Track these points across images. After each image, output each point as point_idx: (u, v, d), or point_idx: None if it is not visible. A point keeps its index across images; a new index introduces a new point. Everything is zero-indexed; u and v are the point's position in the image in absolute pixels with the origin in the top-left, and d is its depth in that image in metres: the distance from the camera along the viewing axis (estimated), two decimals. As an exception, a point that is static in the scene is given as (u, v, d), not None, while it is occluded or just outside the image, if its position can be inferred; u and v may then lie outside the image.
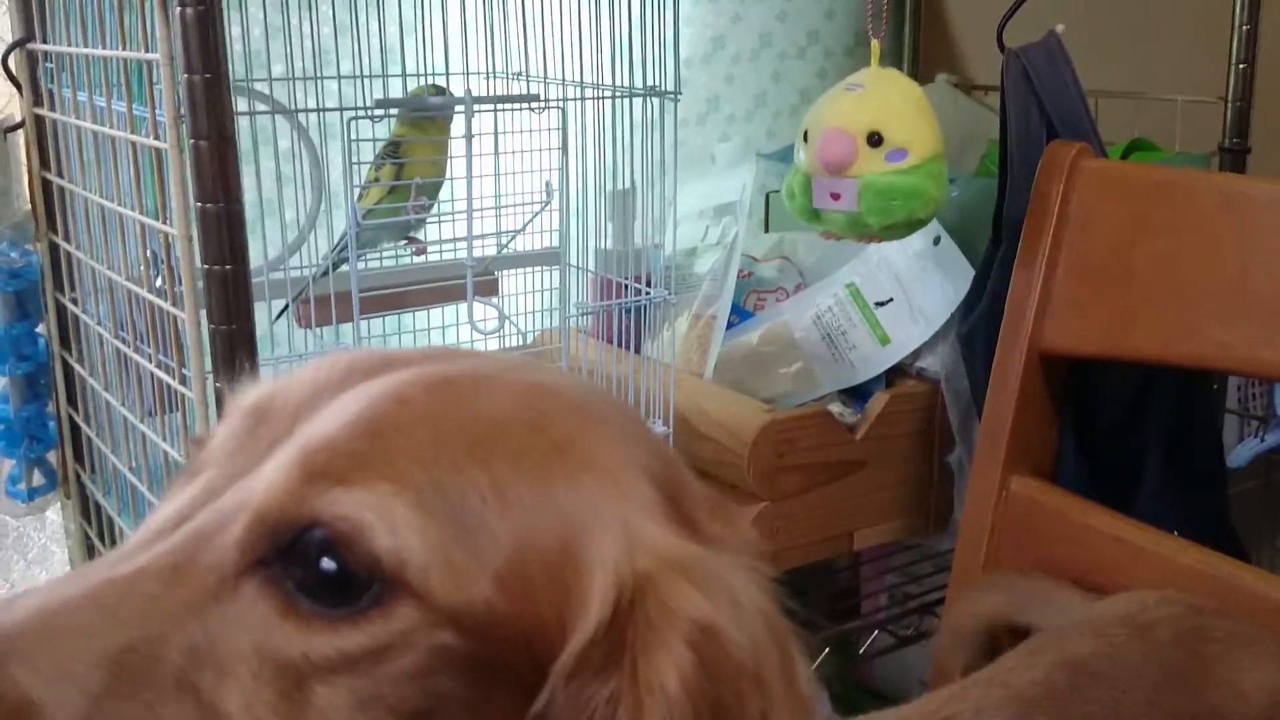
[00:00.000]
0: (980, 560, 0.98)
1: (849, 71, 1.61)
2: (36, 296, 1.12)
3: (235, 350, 0.77)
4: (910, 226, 1.01)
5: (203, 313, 0.78)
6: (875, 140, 0.98)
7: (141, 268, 0.88)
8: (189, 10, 0.73)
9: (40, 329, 1.14)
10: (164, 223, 0.81)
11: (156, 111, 0.79)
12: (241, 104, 0.95)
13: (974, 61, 1.56)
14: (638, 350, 1.21)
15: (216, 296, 0.76)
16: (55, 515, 1.30)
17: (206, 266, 0.76)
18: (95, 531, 1.13)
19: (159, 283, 0.85)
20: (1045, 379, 0.99)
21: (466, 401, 0.41)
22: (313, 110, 0.92)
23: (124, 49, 0.84)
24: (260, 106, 0.94)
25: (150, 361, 0.88)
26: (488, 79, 1.17)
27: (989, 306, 1.07)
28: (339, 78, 1.02)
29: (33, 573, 1.34)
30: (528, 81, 1.13)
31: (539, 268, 1.12)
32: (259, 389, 0.44)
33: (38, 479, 1.18)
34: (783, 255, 1.37)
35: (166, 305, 0.82)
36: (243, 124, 0.95)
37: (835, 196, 1.00)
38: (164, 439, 0.88)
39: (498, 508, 0.39)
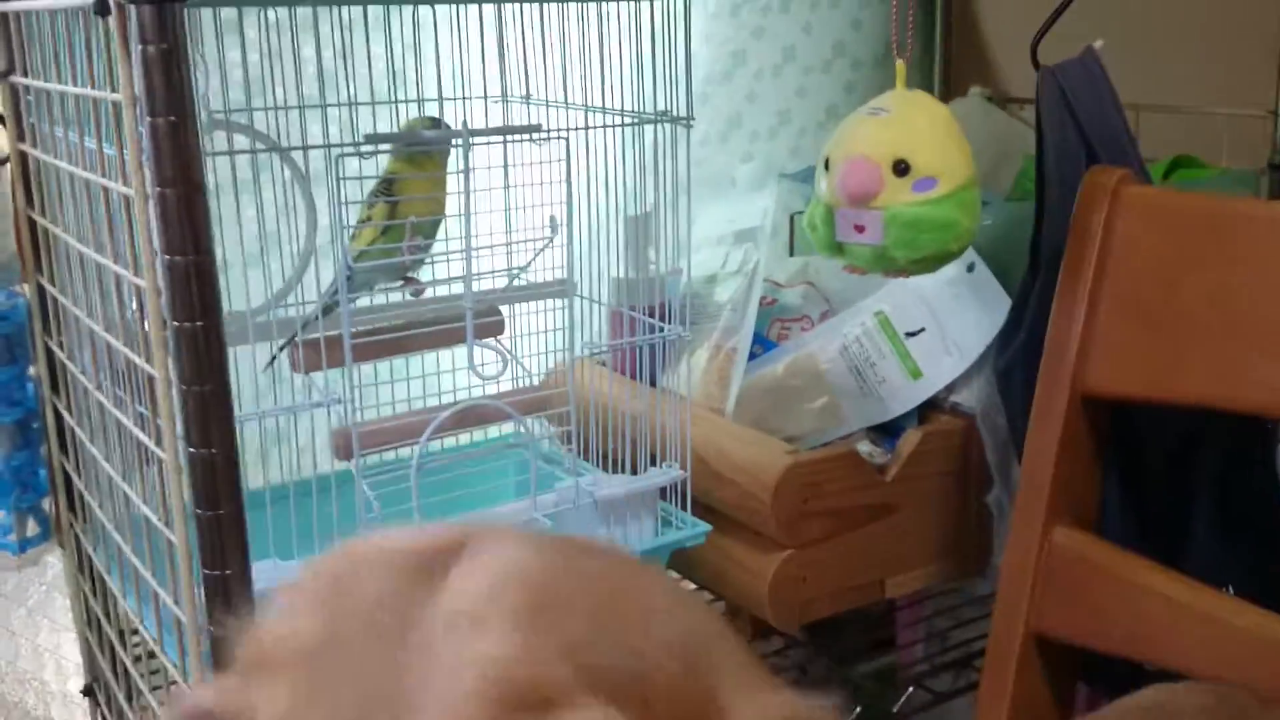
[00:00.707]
0: (1021, 620, 0.91)
1: (878, 84, 1.55)
2: (25, 340, 1.08)
3: (208, 412, 0.71)
4: (940, 260, 0.94)
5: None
6: (902, 169, 0.91)
7: (119, 317, 0.82)
8: (151, 49, 0.68)
9: (32, 371, 1.10)
10: (134, 273, 0.75)
11: (125, 154, 0.74)
12: (229, 139, 0.91)
13: (1008, 73, 1.49)
14: (653, 385, 1.15)
15: (187, 355, 0.71)
16: (57, 560, 1.25)
17: (176, 324, 0.70)
18: (89, 586, 1.08)
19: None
20: (1089, 423, 0.92)
21: (597, 580, 0.35)
22: (296, 149, 0.86)
23: (93, 87, 0.78)
24: (241, 141, 0.89)
25: (128, 416, 0.83)
26: (489, 103, 1.11)
27: (1027, 341, 1.00)
28: (324, 105, 0.96)
29: (34, 620, 1.29)
30: (527, 105, 1.07)
31: (550, 307, 1.06)
32: (290, 635, 0.34)
33: (32, 528, 1.13)
34: (808, 281, 1.30)
35: (139, 360, 0.77)
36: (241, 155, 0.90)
37: (860, 229, 0.93)
38: (143, 499, 0.83)
39: (671, 701, 0.33)
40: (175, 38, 0.69)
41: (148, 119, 0.69)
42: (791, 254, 1.40)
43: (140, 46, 0.68)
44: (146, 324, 0.73)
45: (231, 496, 0.72)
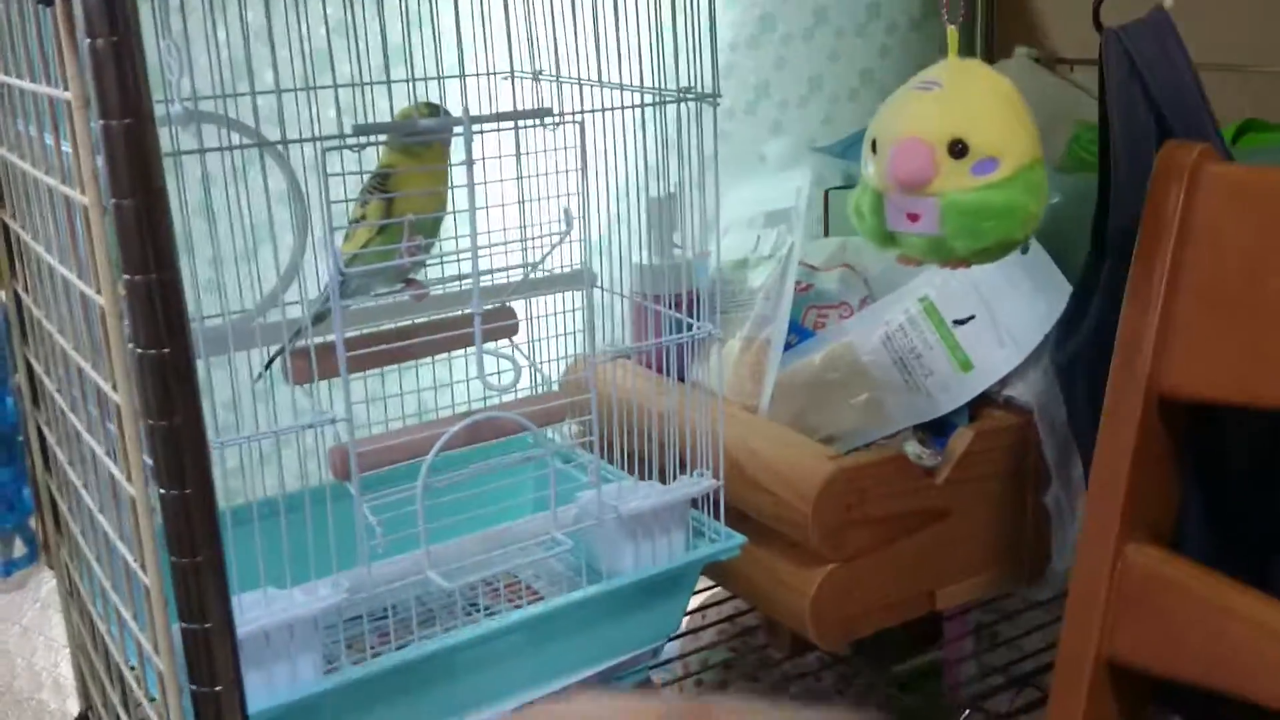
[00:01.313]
0: (1092, 644, 0.83)
1: (916, 47, 1.45)
2: (4, 351, 1.00)
3: (180, 448, 0.63)
4: (1004, 249, 0.85)
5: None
6: (959, 149, 0.82)
7: (86, 335, 0.74)
8: (100, 42, 0.59)
9: (16, 380, 1.02)
10: (96, 290, 0.67)
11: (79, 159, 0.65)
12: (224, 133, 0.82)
13: (1057, 31, 1.38)
14: (681, 380, 1.07)
15: (153, 385, 0.62)
16: (52, 576, 1.18)
17: (139, 350, 0.62)
18: (78, 613, 1.01)
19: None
20: (1166, 426, 0.83)
21: None
22: (279, 143, 0.78)
23: (46, 82, 0.70)
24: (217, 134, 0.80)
25: (102, 442, 0.75)
26: (496, 80, 1.02)
27: (1094, 333, 0.91)
28: (311, 89, 0.88)
29: (30, 639, 1.22)
30: (537, 83, 0.98)
31: (568, 307, 0.97)
32: None
33: (19, 549, 1.06)
34: (845, 263, 1.21)
35: (105, 387, 0.69)
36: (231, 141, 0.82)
37: (913, 217, 0.84)
38: (120, 534, 0.75)
39: None
40: (128, 29, 0.60)
41: (100, 121, 0.60)
42: (826, 233, 1.31)
43: (88, 40, 0.60)
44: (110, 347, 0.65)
45: (209, 541, 0.64)
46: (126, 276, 0.62)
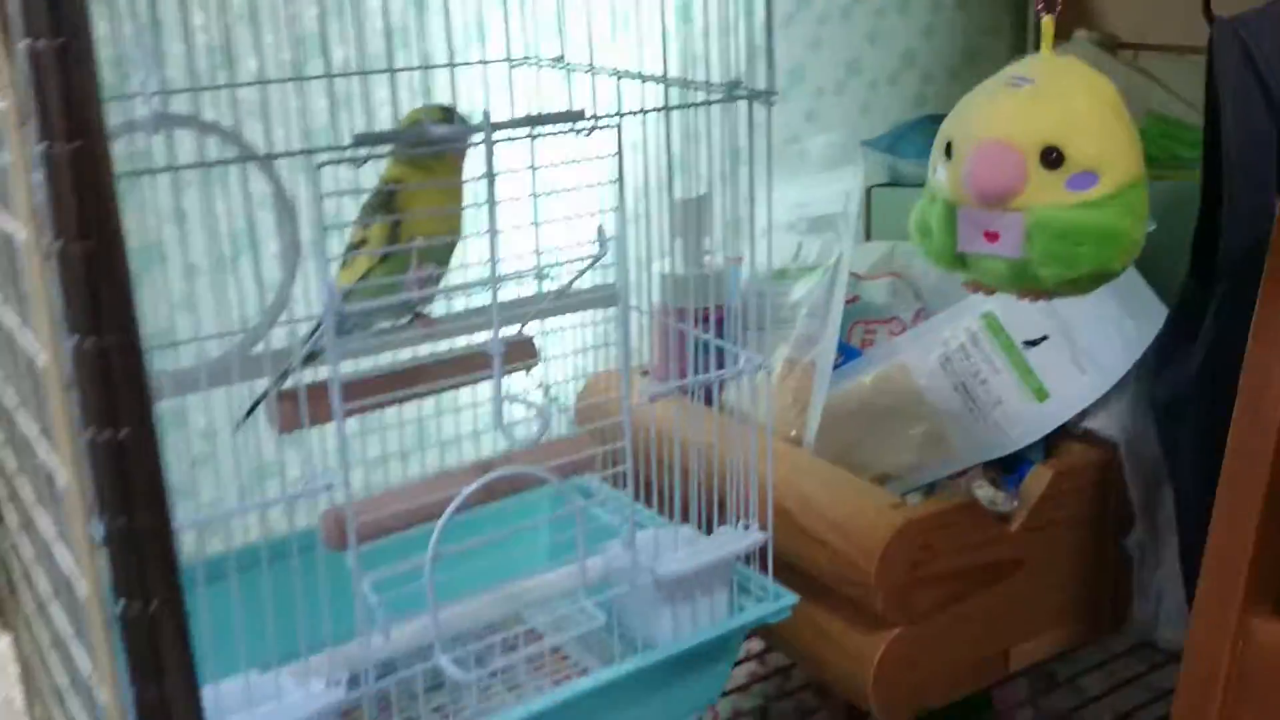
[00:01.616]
0: (1213, 739, 0.72)
1: (960, 27, 1.33)
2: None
3: (142, 553, 0.51)
4: (1096, 280, 0.72)
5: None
6: (1053, 159, 0.70)
7: (33, 395, 0.62)
8: (41, 44, 0.47)
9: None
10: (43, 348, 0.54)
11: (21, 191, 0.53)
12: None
13: (1118, 13, 1.26)
14: (710, 404, 0.94)
15: (108, 476, 0.50)
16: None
17: (89, 433, 0.50)
18: (34, 681, 0.89)
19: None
20: (1300, 485, 0.71)
21: None
22: (261, 157, 0.65)
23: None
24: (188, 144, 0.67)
25: (53, 524, 0.63)
26: (510, 68, 0.90)
27: (1204, 368, 0.79)
28: (300, 79, 0.75)
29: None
30: (568, 72, 0.86)
31: (592, 345, 0.85)
32: None
33: (-31, 602, 0.94)
34: (894, 271, 1.09)
35: (54, 465, 0.56)
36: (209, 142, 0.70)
37: (991, 237, 0.72)
38: (76, 630, 0.63)
39: None
40: (76, 29, 0.47)
41: (40, 144, 0.48)
42: (868, 237, 1.19)
43: (26, 41, 0.47)
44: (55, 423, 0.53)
45: (179, 665, 0.52)
46: (75, 338, 0.49)
